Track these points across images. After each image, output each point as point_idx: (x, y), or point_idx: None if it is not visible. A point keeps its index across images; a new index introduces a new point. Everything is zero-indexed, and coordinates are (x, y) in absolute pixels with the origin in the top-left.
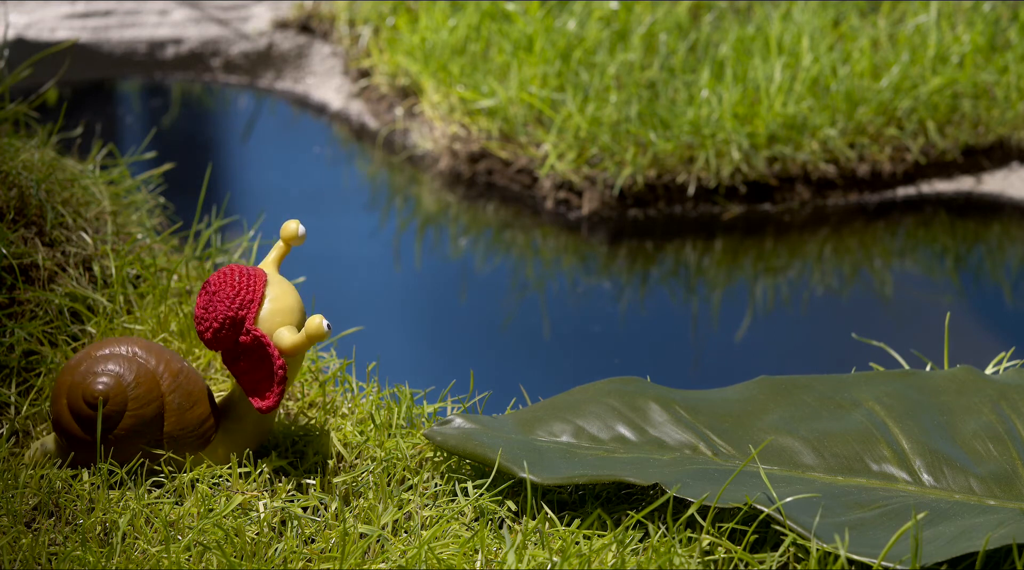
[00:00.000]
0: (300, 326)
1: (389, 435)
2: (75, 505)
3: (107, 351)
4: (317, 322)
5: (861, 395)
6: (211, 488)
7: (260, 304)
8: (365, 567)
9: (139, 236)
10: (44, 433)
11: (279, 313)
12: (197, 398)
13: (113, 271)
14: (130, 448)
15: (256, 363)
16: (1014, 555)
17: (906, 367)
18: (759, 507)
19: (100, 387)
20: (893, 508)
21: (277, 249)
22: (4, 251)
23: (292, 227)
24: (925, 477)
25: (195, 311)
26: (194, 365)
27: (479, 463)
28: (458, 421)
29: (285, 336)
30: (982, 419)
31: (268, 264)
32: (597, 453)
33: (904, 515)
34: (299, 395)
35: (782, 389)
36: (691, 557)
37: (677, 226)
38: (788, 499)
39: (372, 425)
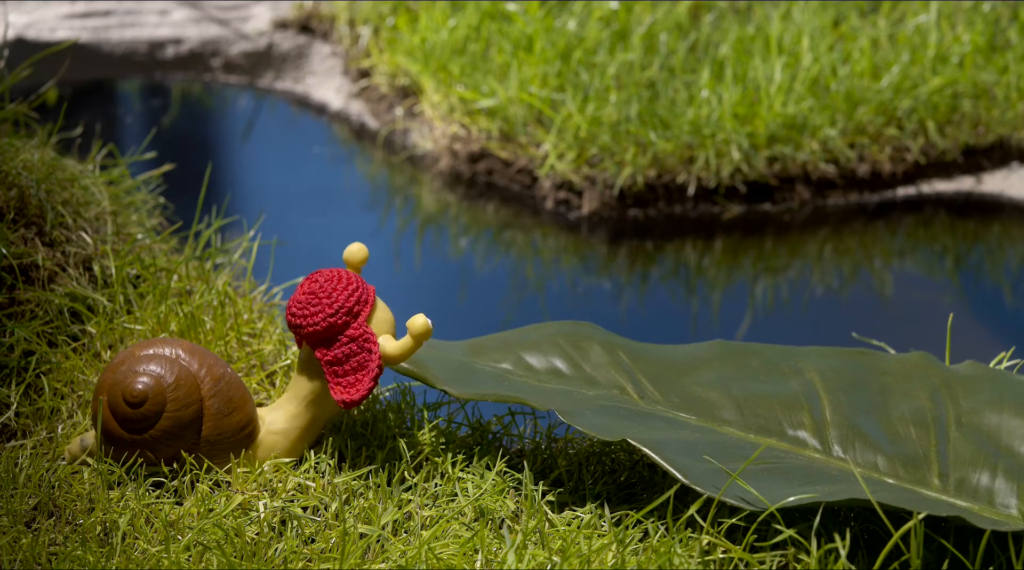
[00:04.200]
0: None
1: (389, 435)
2: (75, 505)
3: (151, 351)
4: (421, 320)
5: (805, 365)
6: (211, 488)
7: (374, 308)
8: (365, 567)
9: (139, 236)
10: (43, 432)
11: (386, 323)
12: (237, 404)
13: (113, 271)
14: (166, 450)
15: (349, 357)
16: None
17: None
18: (633, 443)
19: (140, 387)
20: (783, 467)
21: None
22: (4, 251)
23: (358, 251)
24: (836, 448)
25: (294, 298)
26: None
27: (420, 380)
28: None
29: (391, 342)
30: (915, 404)
31: None
32: (528, 381)
33: (793, 474)
34: None
35: (733, 352)
36: (691, 557)
37: (677, 226)
38: (671, 440)
39: (372, 425)
